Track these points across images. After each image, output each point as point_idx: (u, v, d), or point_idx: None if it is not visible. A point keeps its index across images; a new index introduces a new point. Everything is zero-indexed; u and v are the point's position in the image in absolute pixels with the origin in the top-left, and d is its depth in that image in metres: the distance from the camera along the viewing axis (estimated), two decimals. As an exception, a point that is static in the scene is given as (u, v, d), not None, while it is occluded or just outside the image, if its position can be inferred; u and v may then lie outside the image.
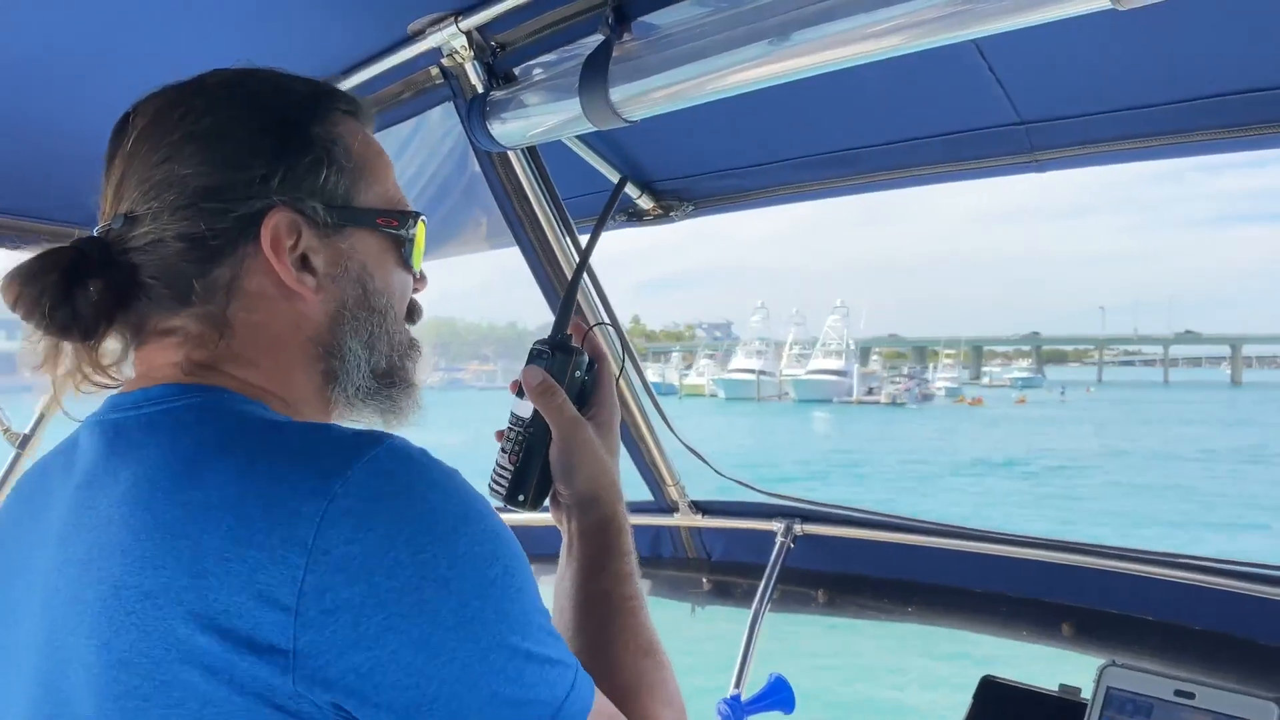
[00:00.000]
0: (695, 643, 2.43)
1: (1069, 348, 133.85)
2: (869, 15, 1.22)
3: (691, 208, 2.09)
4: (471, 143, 1.77)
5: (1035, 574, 1.92)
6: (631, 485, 2.37)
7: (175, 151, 0.86)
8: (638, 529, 2.38)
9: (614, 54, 1.48)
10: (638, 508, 2.41)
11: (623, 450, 2.22)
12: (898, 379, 79.33)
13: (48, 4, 1.41)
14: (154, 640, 0.69)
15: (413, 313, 1.00)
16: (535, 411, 1.03)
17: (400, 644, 0.68)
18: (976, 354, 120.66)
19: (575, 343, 1.08)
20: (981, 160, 1.71)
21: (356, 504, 0.69)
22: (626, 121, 1.51)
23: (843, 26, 1.26)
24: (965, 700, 1.63)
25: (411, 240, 0.96)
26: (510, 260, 2.04)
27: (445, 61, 1.72)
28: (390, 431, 0.81)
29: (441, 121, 1.97)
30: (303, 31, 1.69)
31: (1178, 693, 1.36)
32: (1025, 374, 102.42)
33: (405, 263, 0.96)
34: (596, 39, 1.52)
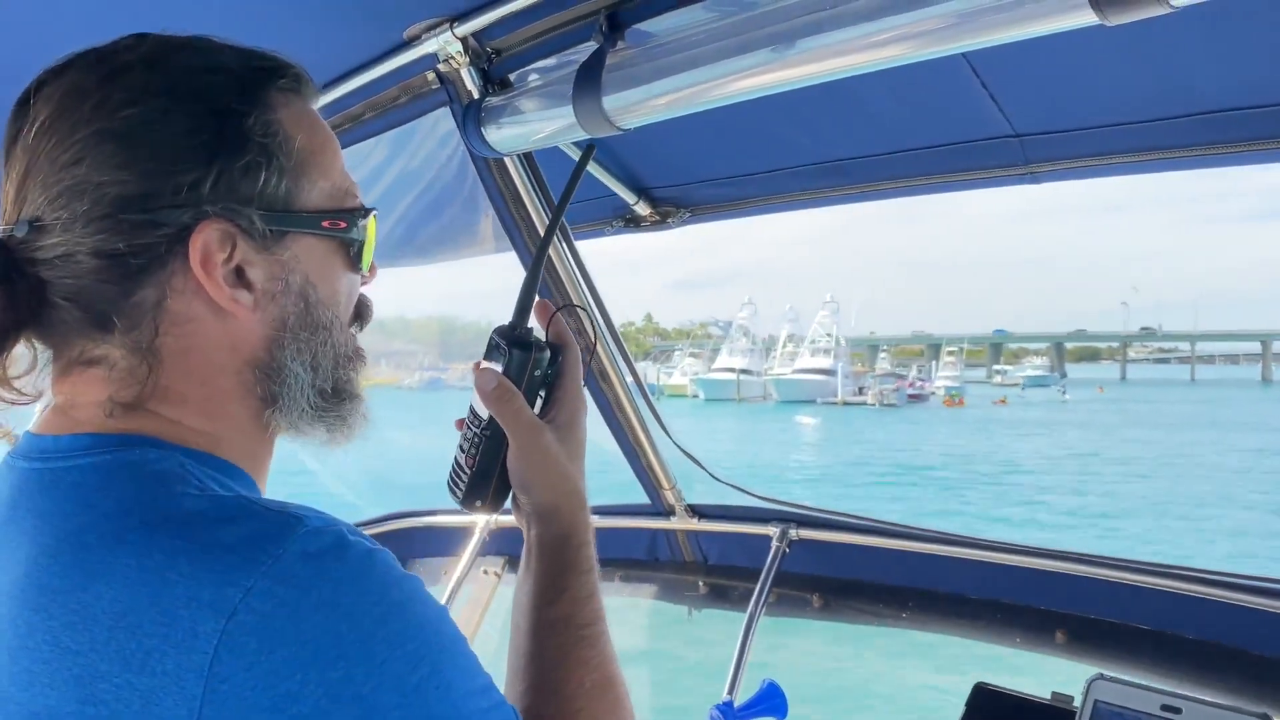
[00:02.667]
0: (691, 646, 2.44)
1: (1103, 345, 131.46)
2: (861, 27, 1.21)
3: (688, 214, 2.10)
4: (468, 147, 1.77)
5: (1030, 581, 1.91)
6: (629, 488, 2.38)
7: (87, 152, 0.74)
8: (634, 533, 2.43)
9: (607, 62, 1.48)
10: (635, 511, 2.42)
11: (619, 454, 2.26)
12: (888, 378, 77.84)
13: (33, 3, 1.40)
14: None
15: (362, 315, 0.91)
16: None
17: None
18: (995, 351, 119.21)
19: (540, 322, 0.99)
20: (977, 172, 1.71)
21: (259, 622, 0.62)
22: (619, 130, 1.51)
23: (835, 38, 1.25)
24: (958, 707, 1.63)
25: (362, 241, 0.86)
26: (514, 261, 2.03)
27: (441, 67, 1.72)
28: (304, 514, 0.69)
29: (445, 123, 1.97)
30: (298, 36, 1.69)
31: (1164, 707, 1.36)
32: (1038, 372, 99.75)
33: (354, 264, 0.87)
34: (592, 46, 1.51)
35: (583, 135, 1.57)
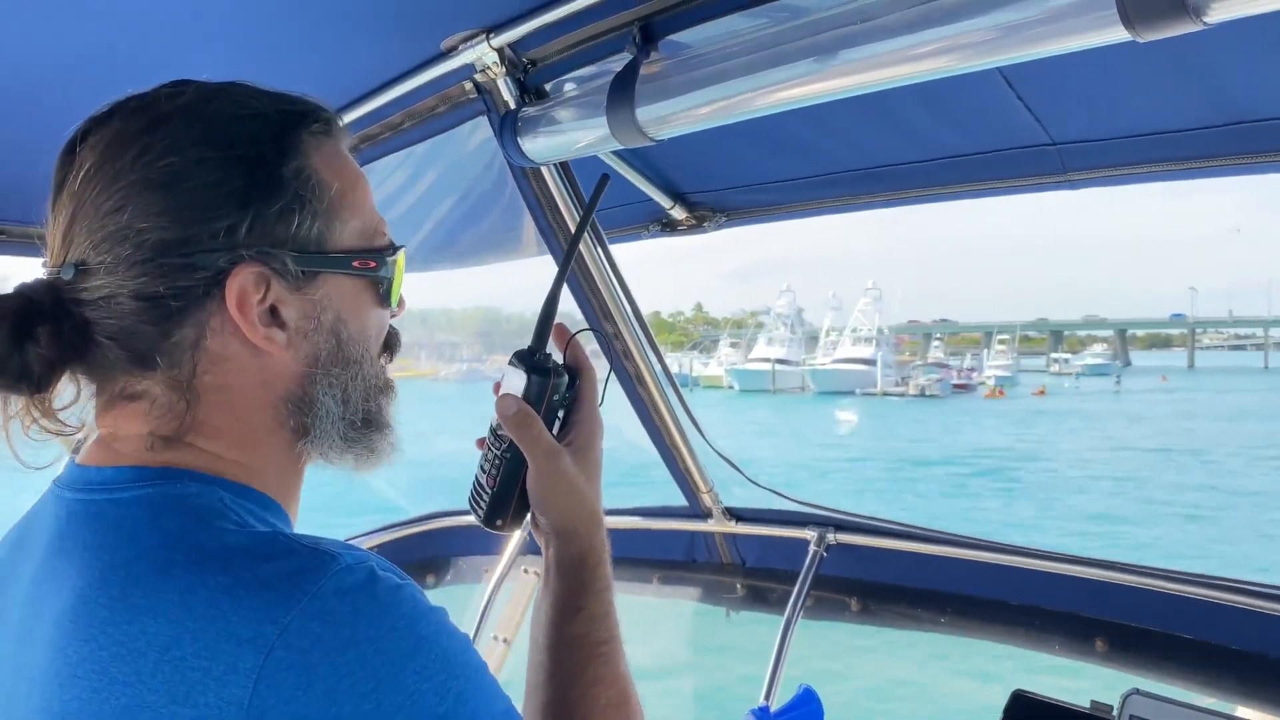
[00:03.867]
0: (728, 649, 2.44)
1: (1175, 331, 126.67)
2: (894, 41, 1.21)
3: (724, 219, 2.10)
4: (505, 157, 1.79)
5: (1071, 588, 1.90)
6: (667, 490, 2.39)
7: (129, 199, 0.77)
8: (673, 534, 2.44)
9: (641, 73, 1.48)
10: (672, 513, 2.43)
11: (657, 456, 2.28)
12: (933, 368, 74.72)
13: (72, 16, 1.43)
14: None
15: (391, 346, 0.94)
16: None
17: None
18: (1056, 339, 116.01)
19: (558, 346, 1.03)
20: (1013, 180, 1.70)
21: (296, 657, 0.65)
22: (652, 140, 1.51)
23: (868, 52, 1.24)
24: (996, 714, 1.62)
25: (390, 279, 0.89)
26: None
27: (478, 77, 1.73)
28: (338, 552, 0.72)
29: (485, 129, 1.99)
30: (336, 48, 1.72)
31: (1203, 725, 1.35)
32: (1098, 360, 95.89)
33: (384, 301, 0.90)
34: (626, 57, 1.52)
35: (616, 146, 1.57)
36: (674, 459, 2.27)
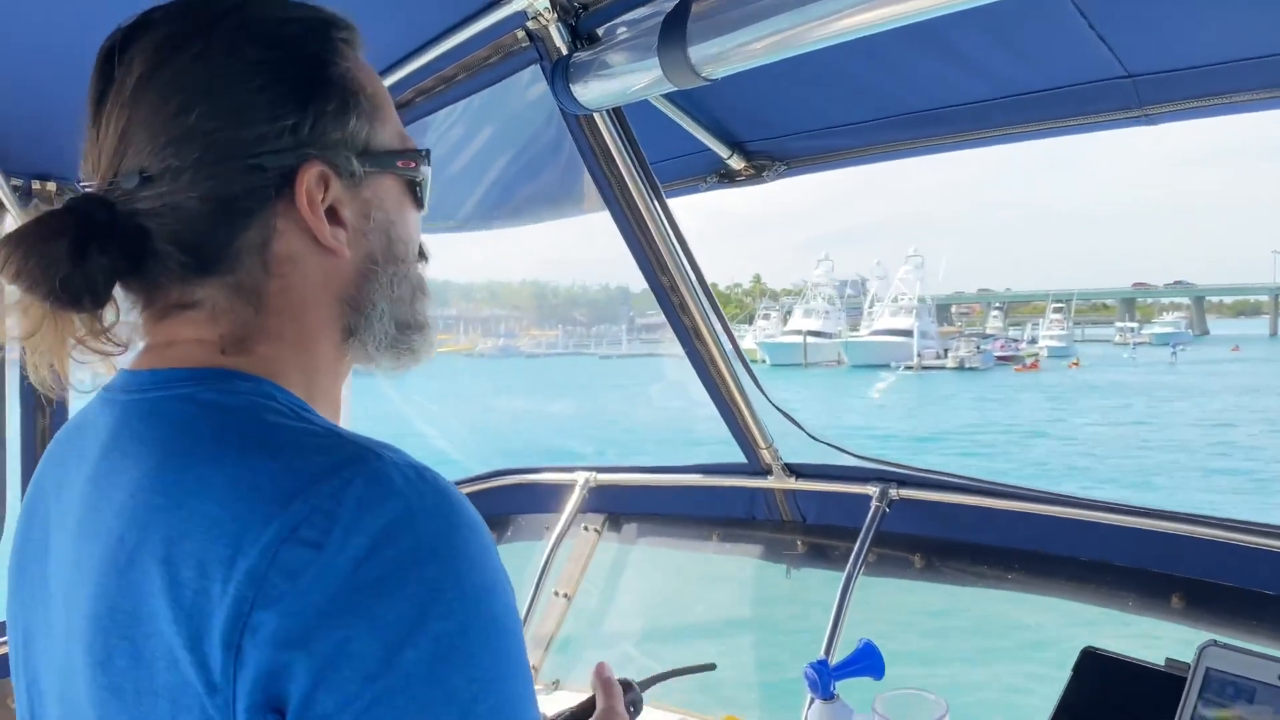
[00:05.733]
0: (788, 606, 2.42)
1: (1265, 297, 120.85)
2: None
3: (784, 167, 2.05)
4: (559, 104, 1.77)
5: (1143, 543, 1.83)
6: (726, 448, 2.37)
7: (195, 101, 0.76)
8: (732, 491, 2.42)
9: (693, 11, 1.45)
10: (732, 469, 2.41)
11: (715, 413, 2.25)
12: (980, 339, 71.11)
13: None
14: (150, 651, 0.66)
15: (423, 253, 0.95)
16: None
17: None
18: (1127, 307, 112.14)
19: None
20: (1086, 116, 1.63)
21: (320, 536, 0.64)
22: (706, 80, 1.48)
23: None
24: (1065, 672, 1.57)
25: (426, 180, 0.91)
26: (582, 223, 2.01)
27: (530, 24, 1.72)
28: (383, 452, 0.71)
29: (537, 81, 1.98)
30: (407, 3, 1.71)
31: (1284, 676, 1.29)
32: (1167, 329, 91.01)
33: (420, 203, 0.91)
34: (677, -3, 1.49)
35: (669, 88, 1.54)
36: (732, 415, 2.24)
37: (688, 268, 2.01)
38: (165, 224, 0.78)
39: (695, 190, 2.23)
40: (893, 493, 2.14)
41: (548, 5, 1.66)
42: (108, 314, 0.81)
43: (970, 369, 59.97)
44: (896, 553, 2.14)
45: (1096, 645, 1.57)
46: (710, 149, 2.07)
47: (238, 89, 0.78)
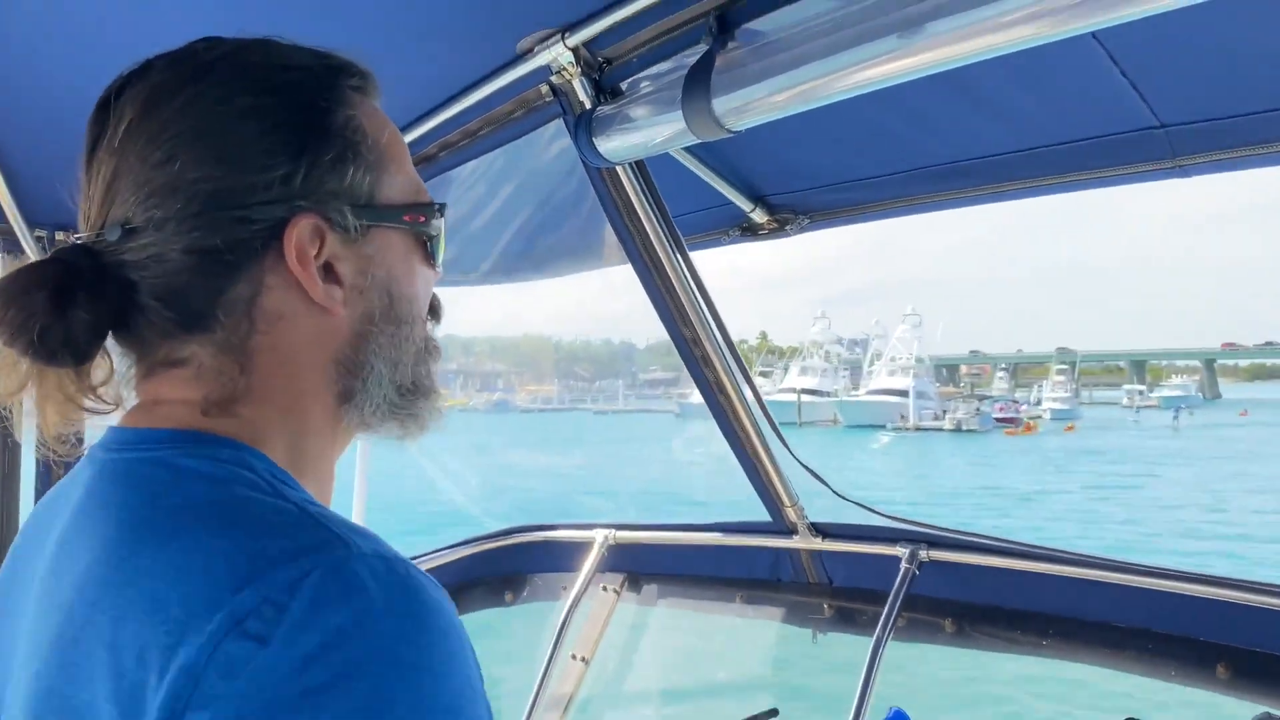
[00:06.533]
0: (815, 672, 2.34)
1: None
2: (978, 11, 1.15)
3: (807, 221, 2.03)
4: (582, 159, 1.77)
5: (1185, 609, 1.75)
6: (750, 506, 2.31)
7: (180, 149, 0.73)
8: (756, 551, 2.36)
9: (717, 64, 1.45)
10: (756, 529, 2.35)
11: (739, 470, 2.20)
12: (976, 401, 70.03)
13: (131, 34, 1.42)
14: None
15: (435, 310, 0.90)
16: None
17: None
18: (1138, 369, 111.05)
19: None
20: (1117, 168, 1.60)
21: (267, 629, 0.58)
22: (729, 132, 1.47)
23: (948, 25, 1.18)
24: (1105, 745, 1.50)
25: (438, 236, 0.86)
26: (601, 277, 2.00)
27: (554, 79, 1.72)
28: (353, 539, 0.65)
29: (559, 134, 1.98)
30: (412, 56, 1.72)
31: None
32: (1176, 393, 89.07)
33: (431, 260, 0.86)
34: (701, 49, 1.48)
35: (692, 139, 1.53)
36: (756, 470, 2.19)
37: (710, 321, 1.98)
38: (150, 277, 0.75)
39: (718, 243, 2.21)
40: (923, 554, 2.07)
41: (571, 60, 1.66)
42: (99, 370, 0.78)
43: (968, 431, 59.32)
44: (927, 617, 2.07)
45: (1138, 716, 1.50)
46: (733, 202, 2.05)
47: (227, 137, 0.74)
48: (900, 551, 2.10)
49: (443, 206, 0.87)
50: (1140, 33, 1.23)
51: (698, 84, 1.47)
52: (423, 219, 0.84)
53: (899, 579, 2.08)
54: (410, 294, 0.84)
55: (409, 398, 0.85)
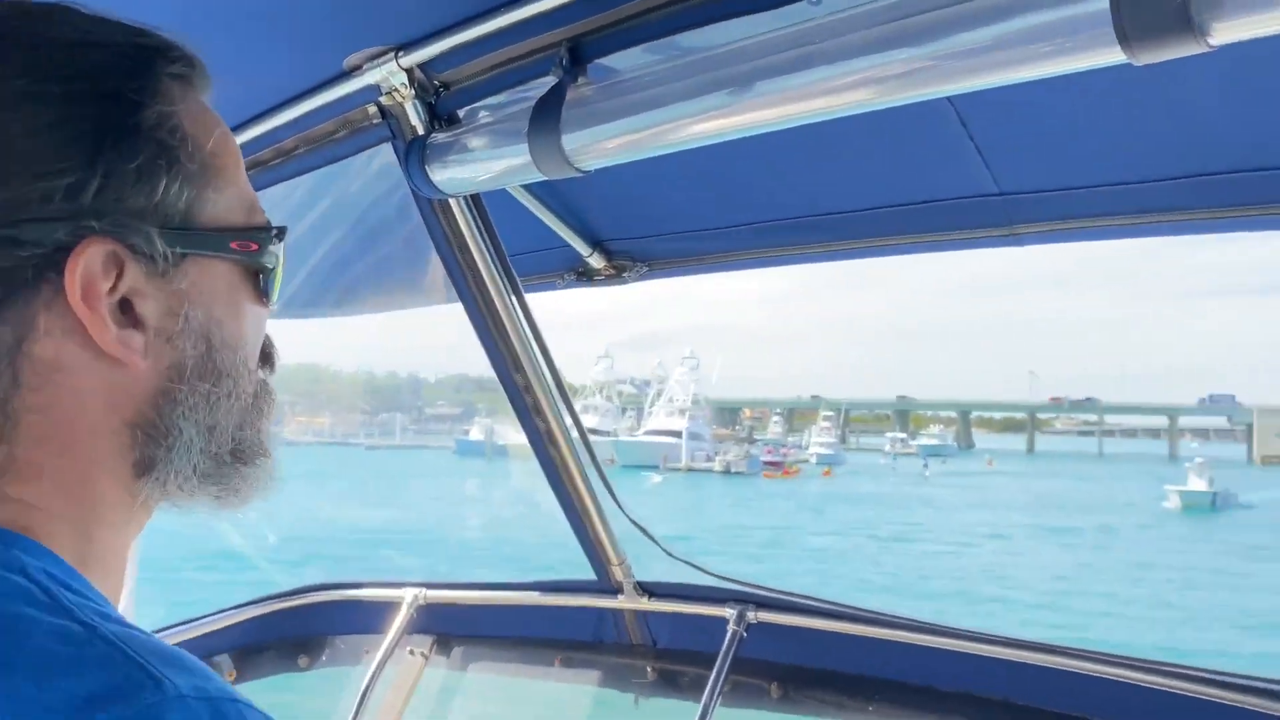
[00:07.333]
0: (636, 740, 2.24)
1: (1050, 415, 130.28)
2: (834, 68, 1.15)
3: (646, 269, 1.96)
4: (411, 188, 1.63)
5: (1009, 675, 1.78)
6: (574, 563, 2.20)
7: None
8: (578, 611, 2.25)
9: (568, 98, 1.37)
10: (578, 587, 2.24)
11: (566, 525, 2.09)
12: (745, 444, 73.20)
13: None
14: None
15: (268, 357, 0.74)
16: None
17: None
18: (901, 418, 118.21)
19: None
20: (957, 231, 1.62)
21: None
22: (579, 171, 1.39)
23: (806, 79, 1.18)
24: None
25: (275, 267, 0.71)
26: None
27: (384, 100, 1.61)
28: (165, 677, 0.52)
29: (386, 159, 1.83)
30: (224, 61, 1.54)
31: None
32: (934, 441, 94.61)
33: (264, 296, 0.71)
34: (549, 81, 1.40)
35: (538, 176, 1.44)
36: (583, 526, 2.08)
37: (544, 368, 1.87)
38: None
39: (551, 287, 2.10)
40: (751, 615, 2.02)
41: (404, 81, 1.55)
42: None
43: (736, 473, 61.11)
44: (754, 680, 2.02)
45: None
46: (569, 245, 1.96)
47: None
48: (728, 612, 2.04)
49: (282, 230, 0.72)
50: (992, 96, 1.24)
51: (546, 118, 1.38)
52: (255, 246, 0.69)
53: (726, 641, 2.01)
54: (235, 339, 0.68)
55: (229, 465, 0.68)
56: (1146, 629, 20.84)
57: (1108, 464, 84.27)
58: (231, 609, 2.43)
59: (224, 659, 2.39)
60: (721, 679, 1.99)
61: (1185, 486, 44.10)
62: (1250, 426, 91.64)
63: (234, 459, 0.69)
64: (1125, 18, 0.88)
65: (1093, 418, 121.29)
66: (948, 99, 1.33)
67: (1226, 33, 0.86)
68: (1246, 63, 1.18)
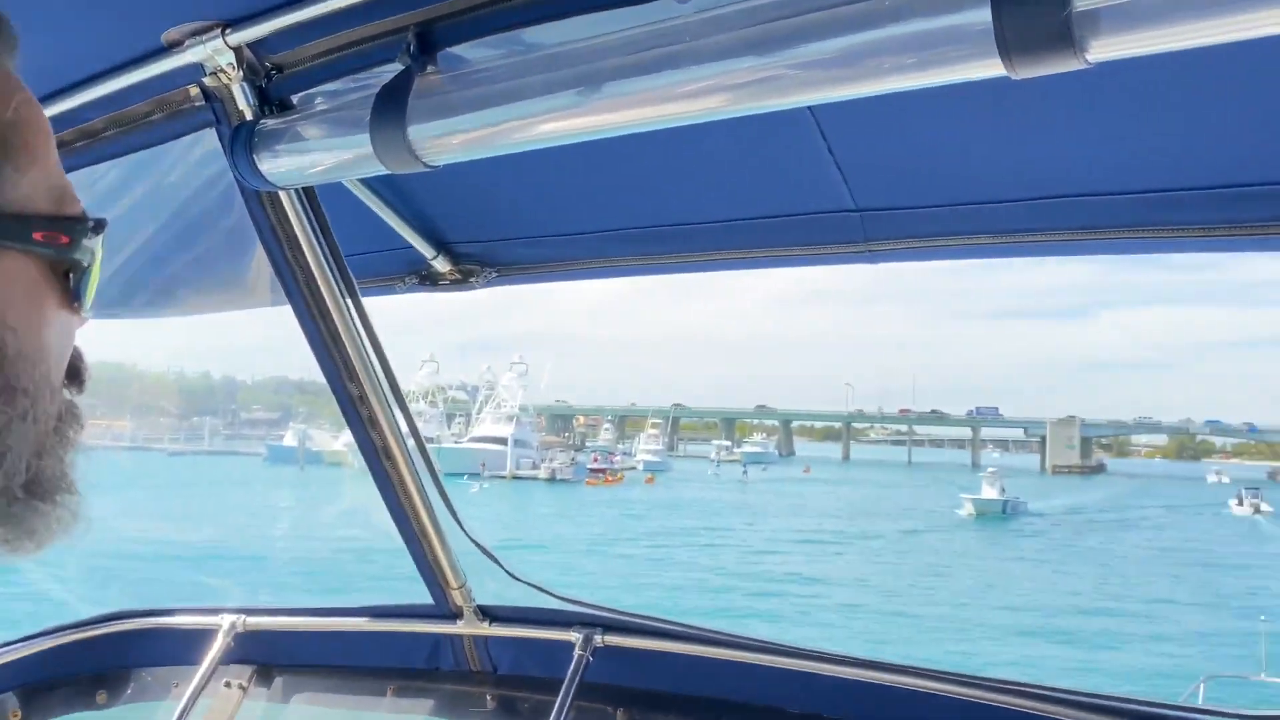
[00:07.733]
0: (473, 773, 2.13)
1: (865, 425, 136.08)
2: (697, 69, 1.11)
3: (494, 274, 1.86)
4: (236, 178, 1.49)
5: (857, 695, 1.77)
6: (410, 587, 2.07)
7: None
8: (412, 637, 2.12)
9: (415, 87, 1.27)
10: (414, 612, 2.12)
11: (403, 547, 1.96)
12: (570, 451, 73.23)
13: None
14: None
15: (76, 373, 0.65)
16: None
17: None
18: (729, 426, 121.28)
19: None
20: (813, 247, 1.60)
21: None
22: (426, 166, 1.29)
23: (667, 80, 1.13)
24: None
25: (90, 265, 0.62)
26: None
27: (208, 81, 1.47)
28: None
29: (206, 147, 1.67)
30: (30, 25, 1.36)
31: None
32: (757, 449, 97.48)
33: (74, 300, 0.62)
34: (394, 68, 1.30)
35: (380, 169, 1.33)
36: (420, 548, 1.96)
37: (381, 377, 1.74)
38: None
39: (390, 291, 1.98)
40: (597, 639, 1.94)
41: (232, 61, 1.41)
42: None
43: (561, 480, 61.06)
44: (598, 706, 1.94)
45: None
46: (412, 246, 1.84)
47: None
48: (574, 636, 1.96)
49: (100, 223, 0.61)
50: (854, 110, 1.22)
51: (391, 107, 1.28)
52: (66, 239, 0.59)
53: (572, 666, 1.93)
54: (34, 350, 0.58)
55: (21, 503, 0.57)
56: (929, 638, 21.96)
57: (915, 472, 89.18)
58: (18, 642, 2.18)
59: (8, 697, 2.14)
60: (567, 706, 1.90)
61: (979, 495, 46.82)
62: (1044, 439, 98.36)
63: (28, 494, 0.57)
64: (1007, 31, 0.87)
65: (903, 428, 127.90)
66: (809, 110, 1.30)
67: (1104, 50, 0.86)
68: (1099, 91, 1.20)
